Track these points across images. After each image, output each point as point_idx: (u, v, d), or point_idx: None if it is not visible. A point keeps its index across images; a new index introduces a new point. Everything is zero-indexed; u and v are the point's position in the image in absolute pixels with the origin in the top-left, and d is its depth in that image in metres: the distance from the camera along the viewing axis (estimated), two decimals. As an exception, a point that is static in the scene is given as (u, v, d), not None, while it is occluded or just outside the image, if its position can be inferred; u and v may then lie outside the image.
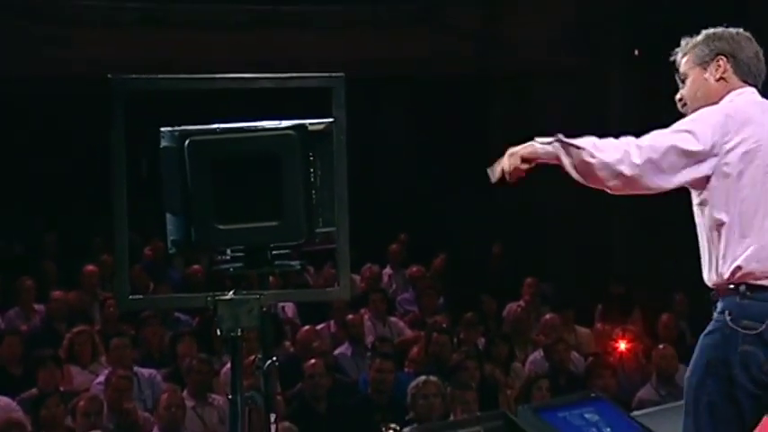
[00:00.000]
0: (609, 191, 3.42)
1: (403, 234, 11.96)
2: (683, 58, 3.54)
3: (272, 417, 3.47)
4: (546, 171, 12.01)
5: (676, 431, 5.46)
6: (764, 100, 3.49)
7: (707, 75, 3.48)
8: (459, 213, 13.36)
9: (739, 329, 3.22)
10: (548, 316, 9.65)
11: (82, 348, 8.24)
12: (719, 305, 3.32)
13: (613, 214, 13.32)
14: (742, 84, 3.47)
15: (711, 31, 3.54)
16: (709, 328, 3.34)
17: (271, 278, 6.87)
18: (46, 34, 11.60)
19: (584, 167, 3.36)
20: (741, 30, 3.57)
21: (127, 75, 3.27)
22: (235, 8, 12.46)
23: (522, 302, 10.32)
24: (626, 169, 3.27)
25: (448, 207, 13.45)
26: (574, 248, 12.65)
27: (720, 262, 3.29)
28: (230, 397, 3.08)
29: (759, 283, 3.22)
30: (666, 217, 12.53)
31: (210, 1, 12.60)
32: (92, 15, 12.02)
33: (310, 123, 3.34)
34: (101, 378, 7.66)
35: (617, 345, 9.21)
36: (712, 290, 3.37)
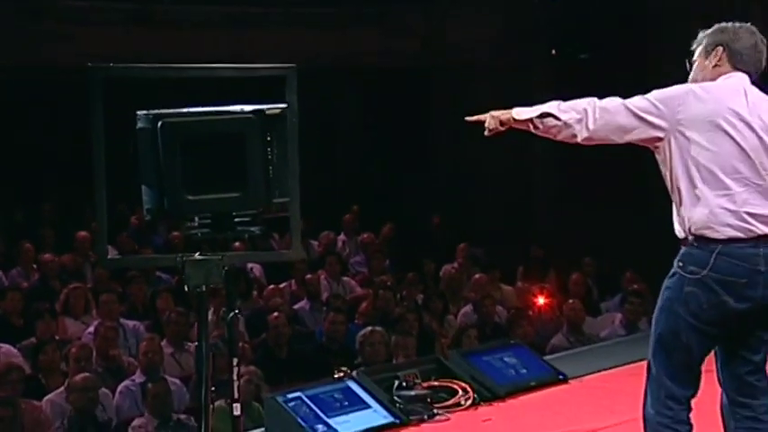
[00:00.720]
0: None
1: (355, 206, 11.91)
2: (696, 49, 3.51)
3: (235, 360, 3.47)
4: (481, 154, 12.06)
5: (580, 370, 5.60)
6: (747, 86, 3.40)
7: (707, 62, 3.44)
8: (403, 189, 13.40)
9: (686, 274, 3.26)
10: (477, 276, 9.66)
11: (75, 303, 8.21)
12: (679, 254, 3.34)
13: (537, 190, 13.43)
14: (733, 71, 3.41)
15: (721, 25, 3.50)
16: (670, 273, 3.36)
17: (239, 243, 6.89)
18: (47, 30, 11.43)
19: (551, 133, 3.40)
20: (747, 24, 3.51)
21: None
22: (212, 9, 12.35)
23: (455, 264, 10.38)
24: (583, 132, 3.33)
25: (394, 184, 13.47)
26: (501, 220, 12.70)
27: (680, 218, 3.33)
28: (196, 344, 3.06)
29: (706, 235, 3.23)
30: (579, 196, 12.73)
31: (191, 2, 12.49)
32: (87, 15, 11.86)
33: (268, 108, 3.33)
34: (91, 329, 7.60)
35: (535, 300, 9.28)
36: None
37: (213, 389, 3.18)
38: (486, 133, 3.53)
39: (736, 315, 3.28)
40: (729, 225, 3.22)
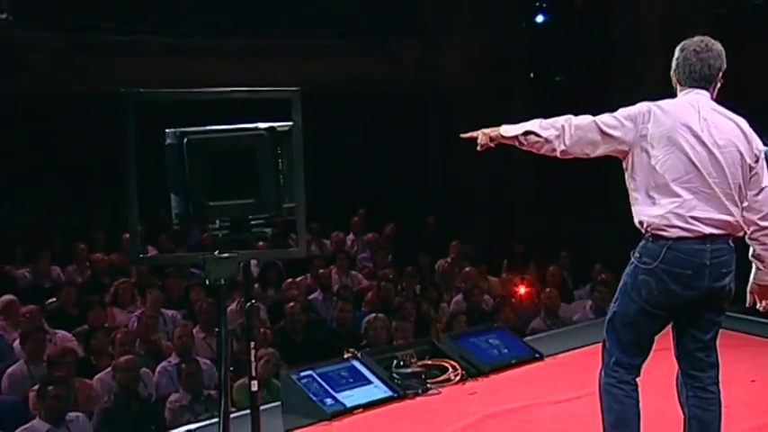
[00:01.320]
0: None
1: (361, 210, 11.89)
2: None
3: (252, 344, 3.46)
4: (469, 164, 11.99)
5: (555, 349, 5.59)
6: (701, 102, 3.36)
7: (672, 78, 3.49)
8: (403, 195, 13.40)
9: (640, 265, 3.30)
10: (467, 269, 9.61)
11: (123, 295, 8.23)
12: (637, 247, 3.37)
13: (519, 194, 13.42)
14: (684, 87, 3.41)
15: (683, 42, 3.49)
16: (629, 263, 3.39)
17: (263, 242, 6.89)
18: (92, 61, 11.45)
19: (534, 148, 3.43)
20: (685, 42, 3.46)
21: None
22: (233, 42, 12.36)
23: (449, 259, 10.33)
24: (560, 146, 3.36)
25: (394, 190, 13.48)
26: (487, 220, 12.69)
27: (637, 217, 3.34)
28: (217, 329, 3.06)
29: (658, 232, 3.25)
30: (555, 200, 12.72)
31: (215, 36, 12.50)
32: (126, 48, 11.88)
33: (278, 125, 3.31)
34: (134, 317, 7.62)
35: (517, 289, 9.26)
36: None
37: (232, 369, 3.17)
38: (478, 149, 3.55)
39: (684, 301, 3.30)
40: (678, 227, 3.23)
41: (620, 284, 3.42)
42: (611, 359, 3.41)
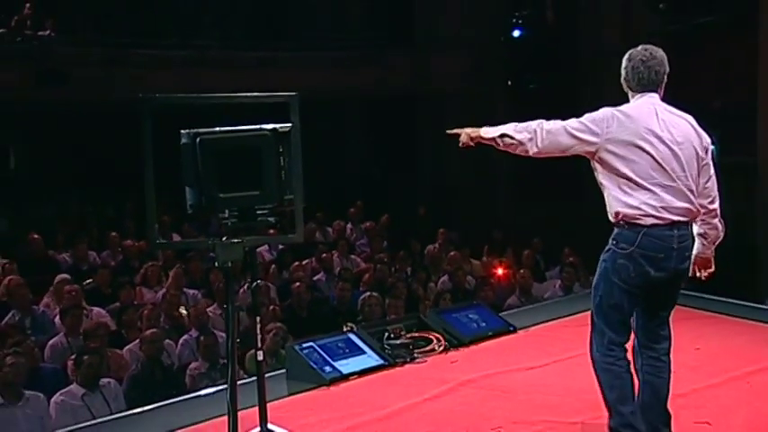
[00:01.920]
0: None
1: (359, 201, 11.85)
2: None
3: (258, 319, 3.43)
4: (456, 160, 12.04)
5: (527, 323, 5.56)
6: (657, 105, 3.30)
7: (623, 85, 3.39)
8: (397, 188, 13.37)
9: (618, 250, 3.23)
10: (453, 253, 9.61)
11: (151, 276, 8.18)
12: (612, 234, 3.29)
13: (498, 188, 13.41)
14: (636, 92, 3.33)
15: (629, 52, 3.37)
16: (605, 249, 3.30)
17: (273, 230, 6.85)
18: (124, 73, 11.41)
19: (510, 149, 3.36)
20: (632, 51, 3.35)
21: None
22: (248, 54, 12.35)
23: (436, 245, 10.32)
24: (533, 148, 3.29)
25: (389, 184, 13.44)
26: (471, 210, 12.67)
27: (610, 209, 3.26)
28: (225, 306, 3.02)
29: (633, 221, 3.18)
30: (529, 192, 12.70)
31: (232, 48, 12.47)
32: (154, 61, 11.86)
33: (280, 127, 3.29)
34: (160, 296, 7.58)
35: (496, 271, 9.24)
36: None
37: (239, 341, 3.14)
38: (460, 145, 3.51)
39: (655, 281, 3.25)
40: (652, 216, 3.18)
41: (599, 270, 3.34)
42: (603, 339, 3.33)
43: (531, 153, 3.32)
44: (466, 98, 12.99)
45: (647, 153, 3.18)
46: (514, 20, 12.74)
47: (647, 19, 10.72)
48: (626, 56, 3.37)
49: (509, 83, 12.87)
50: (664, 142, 3.20)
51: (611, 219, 3.28)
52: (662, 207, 3.18)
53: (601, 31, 11.33)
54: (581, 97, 10.82)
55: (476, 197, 12.93)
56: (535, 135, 3.28)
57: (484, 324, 5.34)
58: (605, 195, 3.28)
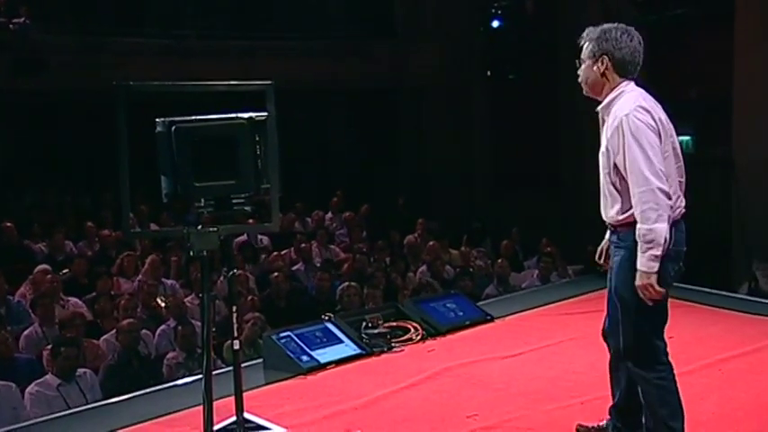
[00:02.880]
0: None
1: (339, 191, 11.81)
2: (584, 45, 3.08)
3: (234, 308, 3.41)
4: (435, 152, 12.08)
5: (504, 312, 5.58)
6: (640, 90, 3.04)
7: (594, 68, 3.03)
8: (376, 178, 13.36)
9: None
10: (431, 243, 9.57)
11: (127, 266, 8.10)
12: (628, 235, 2.95)
13: (477, 179, 13.43)
14: (621, 79, 3.02)
15: (605, 28, 3.04)
16: (625, 251, 2.99)
17: (252, 220, 6.80)
18: (104, 61, 11.26)
19: (654, 250, 2.90)
20: (626, 28, 3.04)
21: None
22: (228, 43, 12.23)
23: (416, 235, 10.29)
24: (659, 219, 2.89)
25: (369, 174, 13.42)
26: (450, 201, 12.69)
27: (630, 208, 2.94)
28: (200, 295, 3.00)
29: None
30: (508, 183, 12.75)
31: (212, 38, 12.36)
32: (134, 49, 11.71)
33: (256, 115, 3.26)
34: (137, 285, 7.53)
35: (474, 261, 9.24)
36: (613, 224, 3.07)
37: (215, 330, 3.12)
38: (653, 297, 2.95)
39: (678, 278, 3.08)
40: (677, 208, 3.02)
41: (628, 274, 2.95)
42: (657, 353, 3.03)
43: (665, 219, 2.88)
44: (446, 89, 13.00)
45: (671, 142, 3.03)
46: (494, 10, 12.73)
47: (625, 9, 10.75)
48: (617, 31, 3.03)
49: (488, 73, 12.87)
50: (673, 132, 3.05)
51: (628, 218, 2.97)
52: (678, 198, 3.05)
53: (580, 21, 11.33)
54: (560, 87, 10.83)
55: (455, 187, 12.95)
56: (656, 209, 2.87)
57: (461, 313, 5.36)
58: (614, 197, 3.00)
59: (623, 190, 2.99)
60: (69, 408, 4.71)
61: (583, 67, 3.10)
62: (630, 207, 2.95)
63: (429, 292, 7.31)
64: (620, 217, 3.02)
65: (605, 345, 3.29)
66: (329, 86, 12.83)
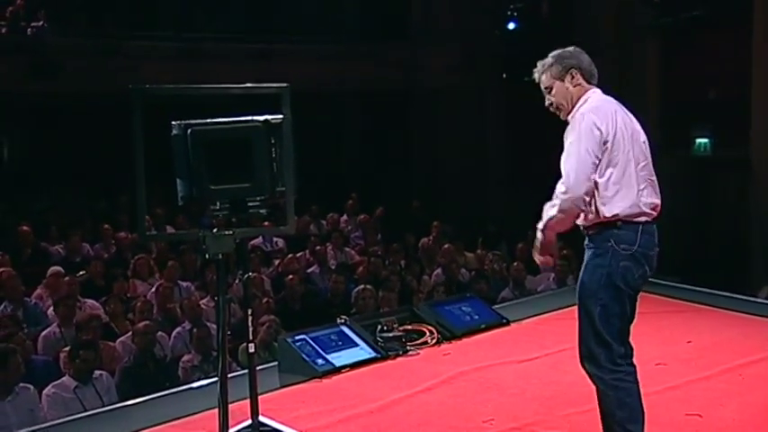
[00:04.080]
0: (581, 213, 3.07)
1: (354, 194, 11.79)
2: (543, 76, 3.27)
3: (249, 311, 3.41)
4: (450, 154, 12.04)
5: (520, 315, 5.55)
6: (604, 96, 3.21)
7: (566, 85, 3.21)
8: (391, 181, 13.34)
9: (620, 250, 3.01)
10: (446, 246, 9.49)
11: (141, 269, 8.13)
12: (599, 236, 3.04)
13: (492, 181, 13.39)
14: (589, 86, 3.21)
15: (557, 52, 3.28)
16: (596, 252, 3.05)
17: (268, 222, 6.80)
18: (119, 64, 11.32)
19: (564, 225, 3.11)
20: (575, 47, 3.32)
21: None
22: (243, 46, 12.28)
23: (430, 237, 10.25)
24: (571, 199, 3.02)
25: (384, 177, 13.41)
26: (464, 203, 12.65)
27: (602, 208, 3.02)
28: (215, 298, 3.00)
29: (629, 220, 3.02)
30: (522, 184, 12.67)
31: (227, 41, 12.41)
32: (149, 52, 11.79)
33: (272, 118, 3.24)
34: (153, 288, 7.56)
35: (489, 263, 9.19)
36: (583, 226, 3.11)
37: (230, 333, 3.12)
38: (544, 262, 3.35)
39: (646, 280, 3.13)
40: (645, 213, 3.07)
41: (596, 277, 3.04)
42: (611, 354, 3.05)
43: (573, 204, 3.01)
44: (460, 91, 12.97)
45: (637, 145, 3.10)
46: (509, 12, 12.69)
47: (640, 12, 10.69)
48: (566, 51, 3.28)
49: (503, 75, 12.82)
50: (640, 135, 3.14)
51: (600, 218, 3.04)
52: (648, 204, 3.09)
53: (595, 23, 11.28)
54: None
55: (470, 190, 12.91)
56: (562, 187, 3.03)
57: (477, 317, 5.33)
58: (599, 199, 3.05)
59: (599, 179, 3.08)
60: (86, 410, 4.73)
61: (553, 92, 3.24)
62: (596, 209, 3.05)
63: (441, 294, 7.30)
64: (588, 218, 3.09)
65: None
66: (344, 89, 12.86)
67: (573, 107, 3.21)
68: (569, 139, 3.10)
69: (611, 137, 3.03)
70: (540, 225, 3.16)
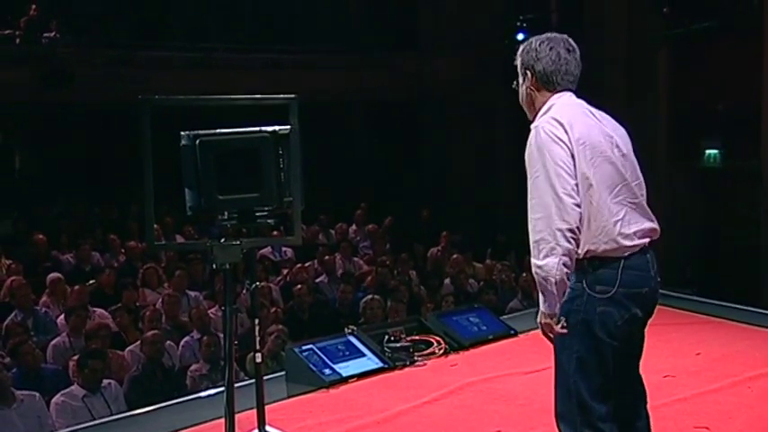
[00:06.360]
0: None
1: (364, 204, 11.83)
2: (516, 63, 2.78)
3: (256, 321, 3.42)
4: (459, 165, 12.08)
5: (528, 326, 5.52)
6: (580, 101, 2.67)
7: (523, 85, 2.73)
8: (400, 191, 13.36)
9: (595, 294, 2.53)
10: (455, 256, 9.54)
11: (150, 278, 8.16)
12: (574, 274, 2.53)
13: (500, 193, 13.39)
14: (549, 93, 2.66)
15: (528, 41, 2.72)
16: (568, 295, 2.54)
17: (276, 232, 6.80)
18: (130, 75, 11.41)
19: (560, 289, 2.50)
20: (550, 36, 2.70)
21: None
22: (254, 56, 12.37)
23: (439, 248, 10.26)
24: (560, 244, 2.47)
25: (393, 187, 13.44)
26: (474, 213, 12.65)
27: (581, 248, 2.53)
28: (222, 308, 3.01)
29: (606, 256, 2.53)
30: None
31: (237, 51, 12.48)
32: (158, 62, 11.89)
33: (279, 129, 3.26)
34: (162, 297, 7.57)
35: (498, 274, 9.18)
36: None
37: (237, 343, 3.13)
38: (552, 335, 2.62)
39: (639, 324, 2.64)
40: (625, 246, 2.55)
41: (569, 325, 2.54)
42: (588, 415, 2.57)
43: (566, 240, 2.45)
44: (469, 101, 13.00)
45: (609, 162, 2.55)
46: (519, 23, 12.71)
47: (651, 22, 10.69)
48: (540, 39, 2.70)
49: (513, 86, 12.84)
50: (618, 148, 2.59)
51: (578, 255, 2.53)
52: (633, 233, 2.56)
53: (605, 34, 11.30)
54: (585, 99, 10.81)
55: (479, 200, 12.92)
56: (551, 243, 2.45)
57: (484, 327, 5.30)
58: (528, 218, 2.57)
59: None
60: (94, 418, 4.75)
61: (519, 87, 2.77)
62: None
63: (450, 304, 7.30)
64: None
65: None
66: (353, 99, 12.93)
67: (535, 114, 2.70)
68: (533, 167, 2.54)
69: (582, 152, 2.51)
70: (545, 293, 2.51)
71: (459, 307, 6.49)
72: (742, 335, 5.33)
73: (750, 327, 5.49)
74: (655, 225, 2.65)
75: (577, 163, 2.49)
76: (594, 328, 2.54)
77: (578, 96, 2.70)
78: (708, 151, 10.54)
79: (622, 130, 2.70)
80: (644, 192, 2.66)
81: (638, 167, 2.67)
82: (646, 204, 2.65)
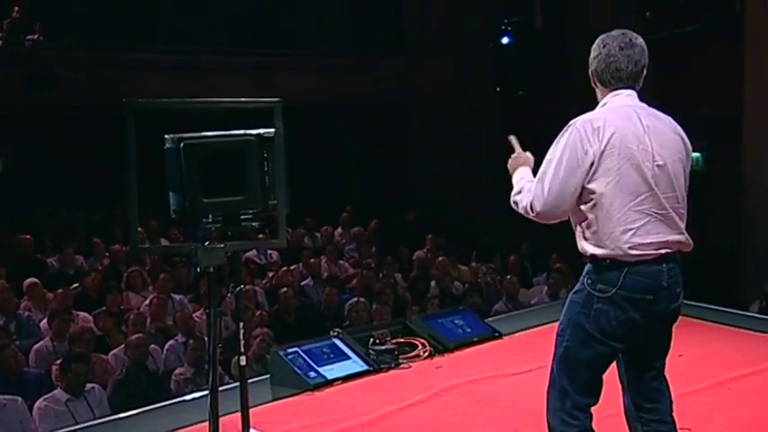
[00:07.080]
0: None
1: (349, 207, 11.84)
2: None
3: (241, 324, 3.42)
4: (444, 168, 12.06)
5: (513, 329, 5.55)
6: (635, 103, 2.70)
7: (591, 80, 2.81)
8: (386, 194, 13.36)
9: (596, 293, 2.63)
10: (440, 258, 9.53)
11: (134, 282, 8.12)
12: (586, 269, 2.69)
13: (483, 196, 13.43)
14: (607, 90, 2.73)
15: (601, 37, 2.78)
16: (577, 287, 2.72)
17: (262, 235, 6.80)
18: (116, 77, 11.35)
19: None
20: (605, 35, 2.76)
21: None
22: (240, 59, 12.34)
23: (425, 250, 10.28)
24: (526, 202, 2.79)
25: (379, 190, 13.44)
26: (459, 216, 12.67)
27: (585, 243, 2.66)
28: (207, 311, 3.01)
29: (612, 260, 2.61)
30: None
31: (223, 54, 12.46)
32: (145, 65, 11.84)
33: (264, 132, 3.24)
34: (147, 301, 7.55)
35: (483, 277, 9.21)
36: (584, 255, 2.73)
37: (221, 345, 3.12)
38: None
39: (642, 330, 2.67)
40: (635, 254, 2.61)
41: (569, 313, 2.71)
42: (565, 402, 2.68)
43: (526, 207, 2.73)
44: (455, 105, 13.03)
45: (635, 170, 2.59)
46: (503, 26, 12.79)
47: (634, 26, 10.77)
48: (599, 40, 2.76)
49: (498, 89, 12.91)
50: (652, 156, 2.61)
51: (586, 253, 2.68)
52: (648, 243, 2.61)
53: (589, 38, 11.38)
54: (569, 103, 10.85)
55: (464, 203, 12.95)
56: (523, 193, 2.77)
57: (469, 330, 5.31)
58: (578, 228, 2.70)
59: (577, 213, 2.69)
60: (77, 423, 4.72)
61: None
62: (584, 236, 2.67)
63: (435, 306, 7.31)
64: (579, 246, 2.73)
65: (625, 414, 2.94)
66: (339, 101, 12.90)
67: None
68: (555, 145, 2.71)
69: (607, 154, 2.59)
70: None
71: (444, 309, 6.50)
72: (723, 336, 5.39)
73: (731, 328, 5.55)
74: (682, 238, 2.70)
75: (596, 169, 2.59)
76: (587, 324, 2.64)
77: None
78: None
79: (674, 142, 2.72)
80: (680, 204, 2.70)
81: (679, 180, 2.70)
82: (678, 217, 2.69)
